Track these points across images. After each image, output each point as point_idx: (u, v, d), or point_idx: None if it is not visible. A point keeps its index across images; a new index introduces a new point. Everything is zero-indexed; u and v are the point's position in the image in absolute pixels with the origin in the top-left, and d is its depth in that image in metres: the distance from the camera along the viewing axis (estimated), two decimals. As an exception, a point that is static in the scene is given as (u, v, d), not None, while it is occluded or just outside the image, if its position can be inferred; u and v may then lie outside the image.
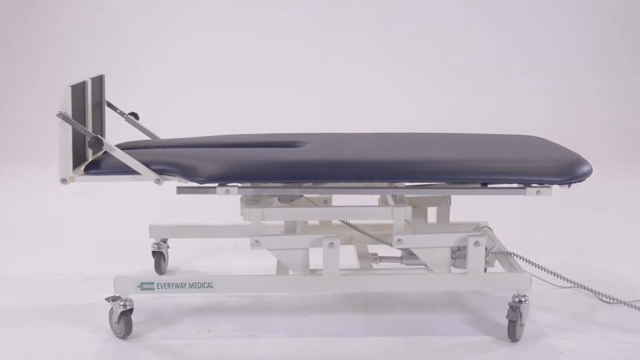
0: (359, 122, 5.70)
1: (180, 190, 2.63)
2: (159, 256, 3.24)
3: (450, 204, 3.00)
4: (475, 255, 2.59)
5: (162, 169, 2.59)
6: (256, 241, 2.62)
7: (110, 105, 3.05)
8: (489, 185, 2.59)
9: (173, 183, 2.64)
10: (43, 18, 6.45)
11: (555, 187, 2.56)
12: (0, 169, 5.44)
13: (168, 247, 3.29)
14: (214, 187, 2.57)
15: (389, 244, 2.80)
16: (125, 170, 2.58)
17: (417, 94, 6.39)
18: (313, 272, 2.68)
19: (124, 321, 2.60)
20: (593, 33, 6.55)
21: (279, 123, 5.12)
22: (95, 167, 2.63)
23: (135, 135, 3.14)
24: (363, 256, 2.90)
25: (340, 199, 2.90)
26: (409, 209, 2.66)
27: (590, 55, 6.56)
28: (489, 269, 2.93)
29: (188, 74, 6.45)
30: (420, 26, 6.50)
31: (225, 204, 4.11)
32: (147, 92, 6.26)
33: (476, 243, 2.58)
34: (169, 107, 6.21)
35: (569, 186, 2.54)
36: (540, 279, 3.06)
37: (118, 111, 3.07)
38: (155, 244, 3.23)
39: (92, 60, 6.29)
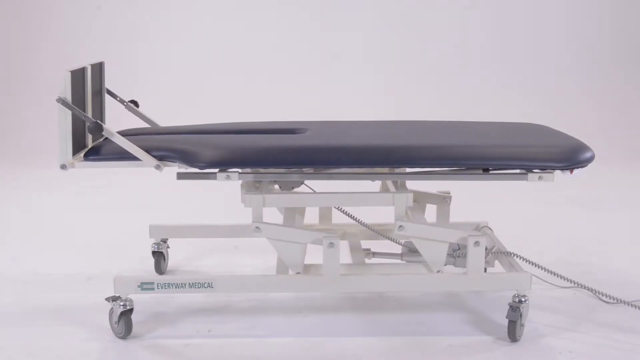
0: (359, 114, 5.71)
1: (181, 176, 2.61)
2: (159, 256, 3.24)
3: (450, 203, 2.99)
4: (475, 255, 2.58)
5: (163, 155, 2.57)
6: (257, 227, 2.61)
7: (110, 93, 3.03)
8: (490, 171, 2.57)
9: (173, 186, 2.64)
10: (43, 17, 6.46)
11: (557, 174, 2.53)
12: (0, 169, 5.44)
13: (168, 247, 3.28)
14: (215, 173, 2.56)
15: (388, 238, 2.80)
16: (125, 156, 2.57)
17: (414, 89, 6.40)
18: (313, 272, 2.68)
19: (124, 321, 2.60)
20: (592, 32, 6.56)
21: (279, 113, 5.11)
22: (95, 154, 2.61)
23: (134, 124, 3.13)
24: (356, 251, 2.90)
25: (341, 187, 2.89)
26: (411, 195, 2.65)
27: (590, 55, 6.56)
28: (489, 269, 2.93)
29: (188, 63, 6.46)
30: (420, 21, 6.51)
31: (225, 204, 4.12)
32: (147, 80, 6.27)
33: (476, 243, 2.57)
34: (169, 96, 6.21)
35: (571, 172, 2.51)
36: (540, 279, 3.06)
37: (118, 98, 3.05)
38: (155, 244, 3.23)
39: (91, 56, 6.29)
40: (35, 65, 6.42)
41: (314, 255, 2.89)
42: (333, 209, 3.14)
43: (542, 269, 2.75)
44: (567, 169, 2.51)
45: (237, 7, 6.47)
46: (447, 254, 2.75)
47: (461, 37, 6.53)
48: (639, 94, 6.49)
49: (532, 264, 2.75)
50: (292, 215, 2.83)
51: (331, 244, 2.56)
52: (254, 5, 6.47)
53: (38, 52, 6.45)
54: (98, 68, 2.88)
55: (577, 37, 6.56)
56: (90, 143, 2.75)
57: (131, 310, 2.61)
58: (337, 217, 3.09)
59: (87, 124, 2.52)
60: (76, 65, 2.65)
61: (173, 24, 6.52)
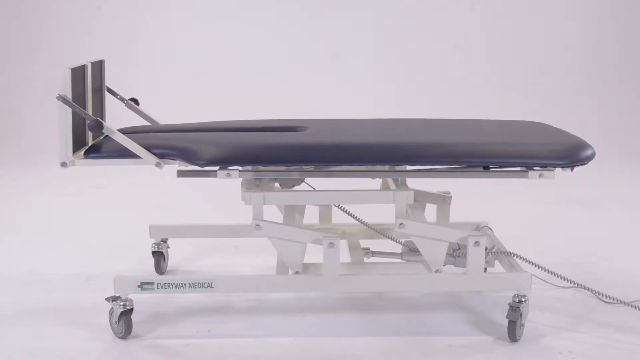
0: (359, 113, 5.72)
1: (181, 173, 2.60)
2: (159, 256, 3.24)
3: (450, 203, 2.99)
4: (475, 255, 2.58)
5: (163, 153, 2.56)
6: (257, 225, 2.61)
7: (110, 91, 3.03)
8: (491, 169, 2.57)
9: (173, 186, 2.64)
10: (43, 17, 6.46)
11: (557, 172, 2.52)
12: (0, 169, 5.44)
13: (168, 247, 3.28)
14: (215, 171, 2.55)
15: (388, 237, 2.79)
16: (125, 154, 2.56)
17: (415, 88, 6.40)
18: (313, 271, 2.67)
19: (124, 321, 2.60)
20: (592, 32, 6.56)
21: (279, 112, 5.11)
22: (95, 151, 2.60)
23: (135, 122, 3.13)
24: (355, 250, 2.89)
25: (341, 185, 2.89)
26: (411, 193, 2.64)
27: (590, 55, 6.56)
28: (489, 269, 2.93)
29: (188, 62, 6.46)
30: (420, 21, 6.51)
31: (225, 204, 4.12)
32: (147, 78, 6.27)
33: (476, 243, 2.57)
34: (169, 94, 6.21)
35: (572, 169, 2.51)
36: (540, 279, 3.06)
37: (118, 96, 3.04)
38: (155, 244, 3.23)
39: (91, 56, 6.29)
40: (35, 65, 6.42)
41: (314, 255, 2.89)
42: (333, 208, 3.14)
43: (542, 269, 2.75)
44: (568, 167, 2.51)
45: (237, 7, 6.48)
46: (447, 254, 2.75)
47: (461, 37, 6.53)
48: (639, 94, 6.49)
49: (532, 264, 2.75)
50: (292, 214, 2.83)
51: (331, 244, 2.56)
52: (254, 5, 6.47)
53: (38, 52, 6.45)
54: (98, 66, 2.88)
55: (577, 37, 6.56)
56: (91, 141, 2.75)
57: (131, 310, 2.61)
58: (337, 217, 3.09)
59: (88, 121, 2.51)
60: (76, 64, 2.65)
61: (173, 24, 6.52)
